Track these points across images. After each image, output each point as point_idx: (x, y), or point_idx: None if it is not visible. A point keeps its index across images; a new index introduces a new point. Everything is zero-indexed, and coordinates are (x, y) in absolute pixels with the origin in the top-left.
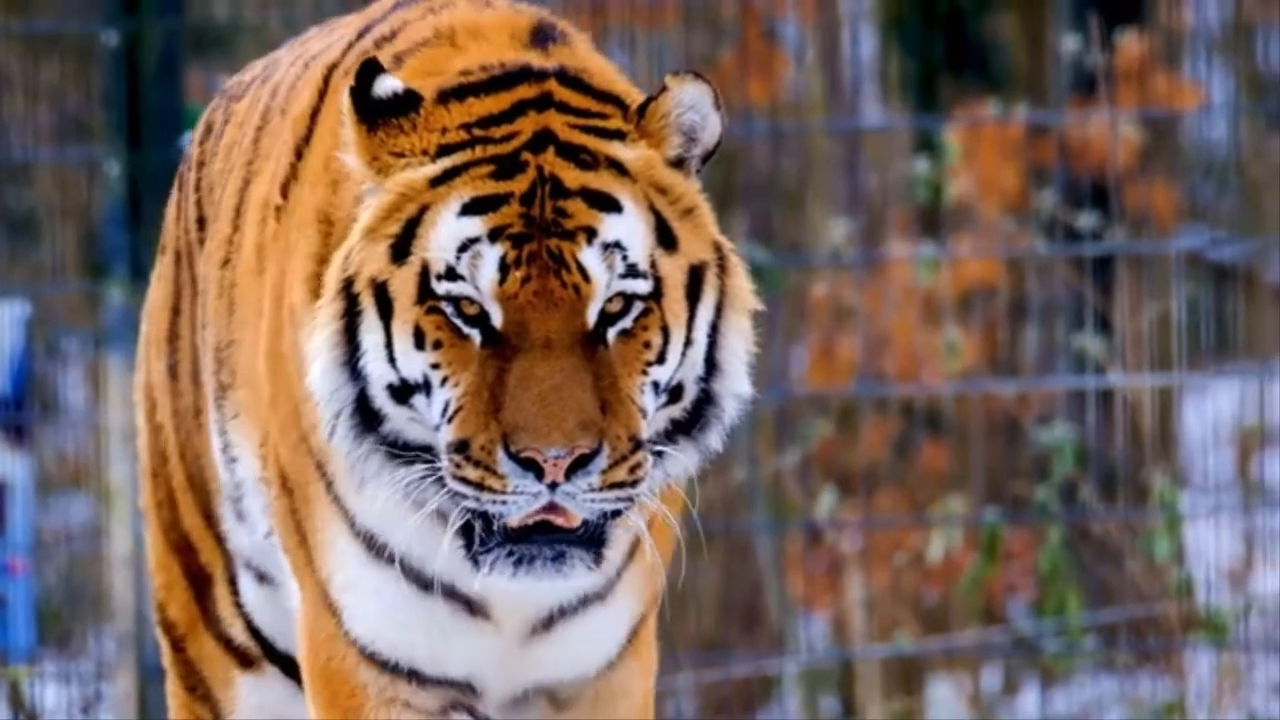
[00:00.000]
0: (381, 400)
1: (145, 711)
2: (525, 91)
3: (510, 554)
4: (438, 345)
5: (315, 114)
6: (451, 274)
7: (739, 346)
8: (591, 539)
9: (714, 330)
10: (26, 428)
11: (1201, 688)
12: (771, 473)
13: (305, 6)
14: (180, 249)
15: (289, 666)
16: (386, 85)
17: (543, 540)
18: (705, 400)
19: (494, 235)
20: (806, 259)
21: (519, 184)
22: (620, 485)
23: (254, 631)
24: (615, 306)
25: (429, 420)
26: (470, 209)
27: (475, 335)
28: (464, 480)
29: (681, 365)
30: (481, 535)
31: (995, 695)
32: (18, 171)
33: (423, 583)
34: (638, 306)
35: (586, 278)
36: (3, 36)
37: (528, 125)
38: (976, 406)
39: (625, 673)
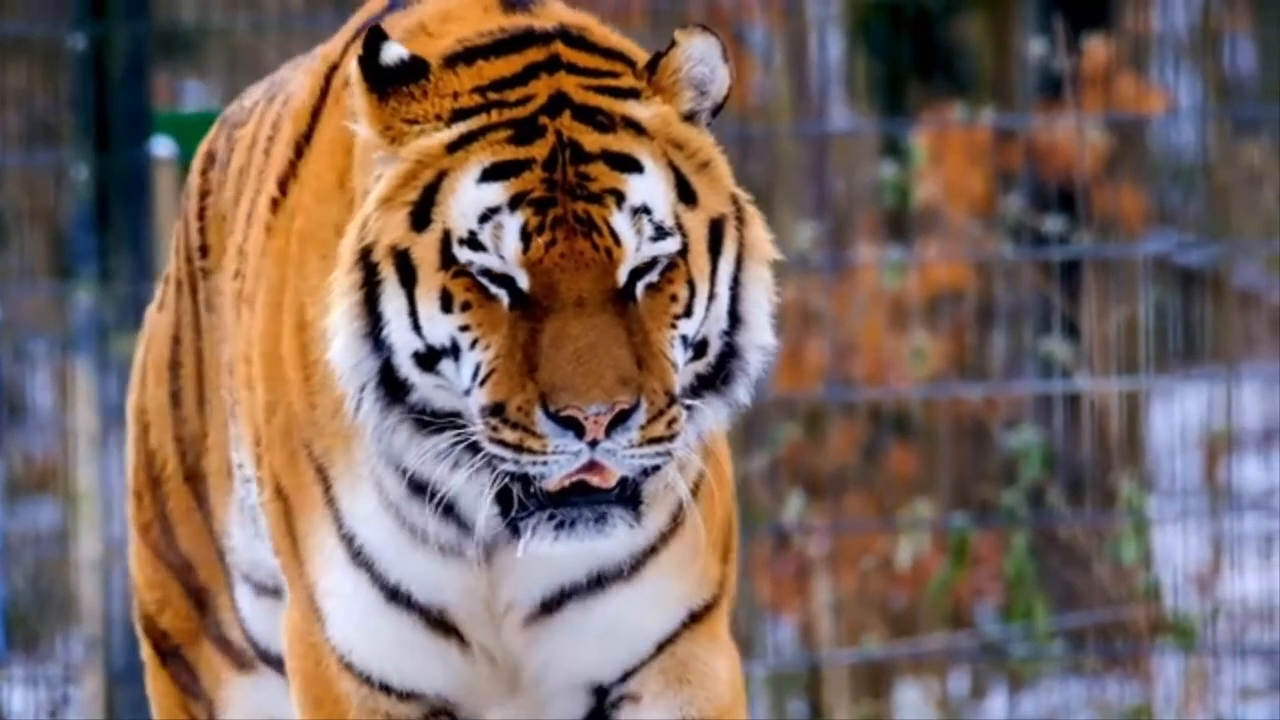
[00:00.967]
0: (407, 369)
1: (112, 714)
2: (534, 54)
3: (551, 517)
4: (466, 307)
5: (316, 112)
6: (474, 243)
7: (761, 298)
8: (629, 497)
9: (735, 283)
10: None
11: (1169, 692)
12: (739, 476)
13: (272, 10)
14: (181, 278)
15: (282, 667)
16: (393, 52)
17: (582, 502)
18: (729, 354)
19: (515, 203)
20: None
21: (539, 149)
22: (658, 440)
23: (250, 637)
24: (643, 264)
25: (458, 385)
26: (490, 175)
27: (503, 296)
28: (501, 443)
29: (706, 319)
30: (520, 500)
31: (963, 699)
32: None
33: (390, 592)
34: (663, 262)
35: (618, 241)
36: None
37: (541, 88)
38: (944, 410)
39: (693, 654)
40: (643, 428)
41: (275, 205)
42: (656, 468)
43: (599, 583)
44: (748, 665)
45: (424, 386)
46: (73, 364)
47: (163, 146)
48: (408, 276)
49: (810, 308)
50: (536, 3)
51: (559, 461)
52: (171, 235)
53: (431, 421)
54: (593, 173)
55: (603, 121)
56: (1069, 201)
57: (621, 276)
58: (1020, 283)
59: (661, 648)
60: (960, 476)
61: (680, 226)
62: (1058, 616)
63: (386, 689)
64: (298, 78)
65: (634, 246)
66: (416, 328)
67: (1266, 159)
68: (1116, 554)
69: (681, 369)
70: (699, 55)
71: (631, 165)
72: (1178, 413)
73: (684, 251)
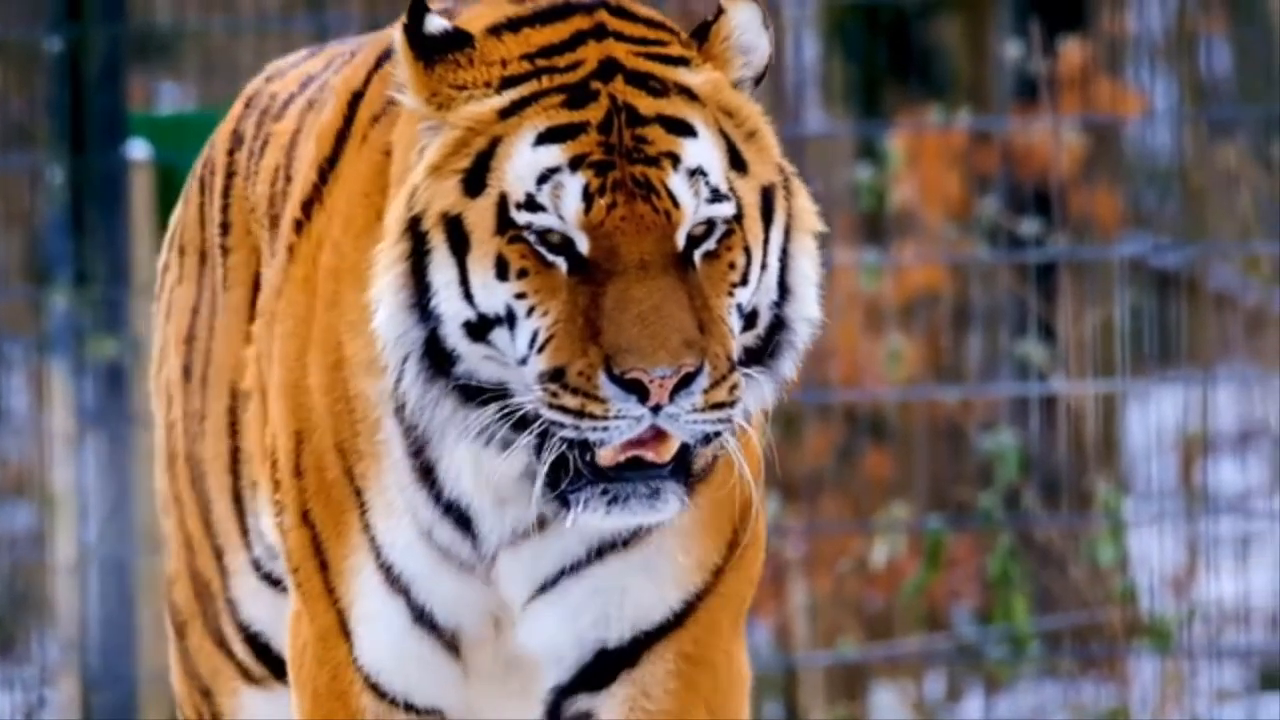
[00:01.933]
0: (455, 339)
1: (88, 717)
2: (580, 22)
3: (604, 492)
4: (523, 274)
5: (341, 136)
6: (532, 204)
7: (808, 269)
8: (681, 472)
9: (784, 253)
10: None
11: (1145, 694)
12: None
13: (248, 12)
14: (205, 249)
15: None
16: (437, 23)
17: (636, 476)
18: (778, 325)
19: (575, 164)
20: None
21: (593, 113)
22: (720, 406)
23: (259, 649)
24: (700, 230)
25: (512, 354)
26: (546, 138)
27: (561, 263)
28: (562, 408)
29: (758, 290)
30: (572, 474)
31: (939, 702)
32: None
33: (417, 613)
34: (720, 228)
35: (676, 203)
36: None
37: (590, 54)
38: (920, 413)
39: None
40: (705, 392)
41: (299, 227)
42: (717, 434)
43: (598, 554)
44: None
45: (471, 357)
46: (48, 367)
47: (138, 149)
48: (459, 244)
49: None
50: None
51: (620, 427)
52: (167, 221)
53: (477, 393)
54: (649, 135)
55: (655, 87)
56: (1045, 204)
57: (680, 239)
58: (996, 285)
59: (662, 630)
60: (936, 479)
61: (734, 192)
62: (1034, 619)
63: (409, 706)
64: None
65: (692, 208)
66: (468, 296)
67: (1242, 161)
68: (1092, 556)
69: (738, 337)
70: (745, 23)
71: (686, 129)
72: (1153, 415)
73: (739, 218)
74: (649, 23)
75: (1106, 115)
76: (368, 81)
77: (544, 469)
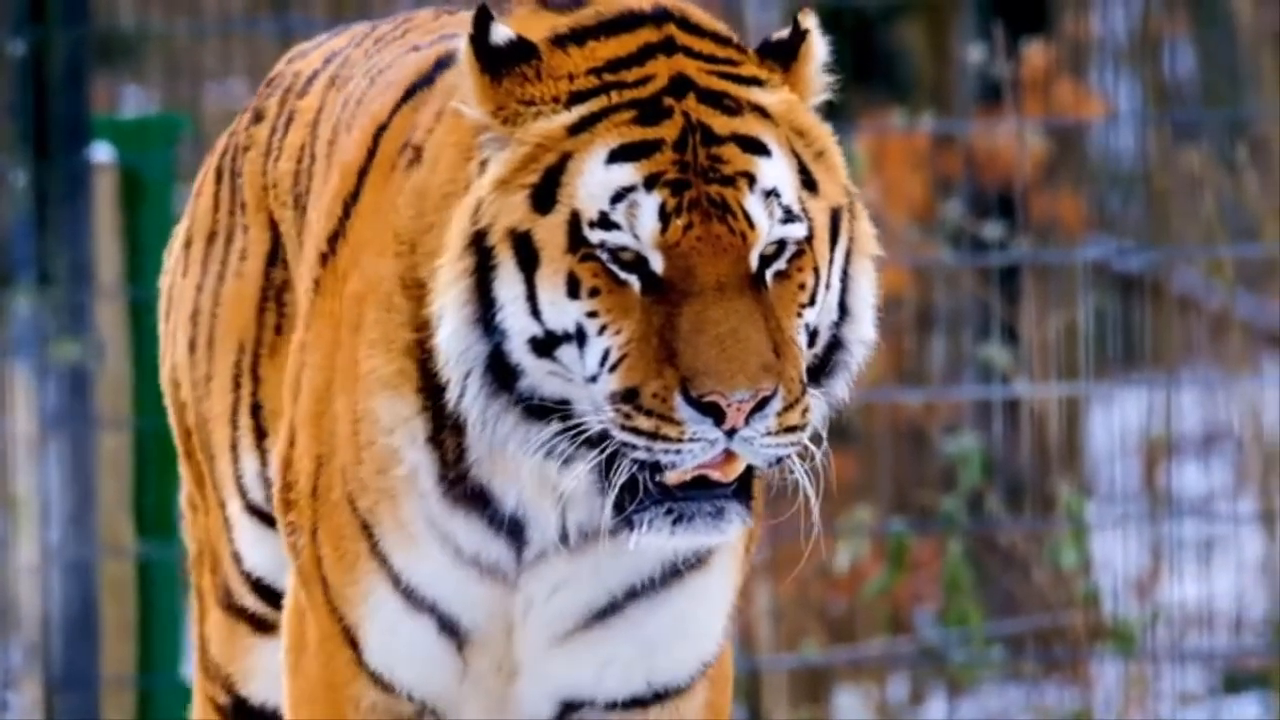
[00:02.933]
0: (520, 355)
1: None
2: (647, 35)
3: (669, 512)
4: (594, 293)
5: (363, 173)
6: (606, 222)
7: (867, 291)
8: (742, 492)
9: (844, 275)
10: None
11: (1108, 697)
12: None
13: (212, 15)
14: (215, 230)
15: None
16: (503, 33)
17: (701, 496)
18: (835, 346)
19: (650, 183)
20: None
21: (668, 130)
22: (793, 429)
23: (266, 594)
24: (771, 249)
25: (580, 371)
26: (619, 156)
27: (634, 281)
28: (635, 430)
29: (821, 310)
30: (640, 493)
31: (902, 705)
32: None
33: (441, 623)
34: (791, 248)
35: (752, 224)
36: None
37: (660, 69)
38: (883, 416)
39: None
40: (779, 415)
41: (324, 260)
42: (788, 457)
43: (632, 595)
44: None
45: (535, 372)
46: (11, 370)
47: (102, 152)
48: (528, 260)
49: None
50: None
51: (693, 450)
52: (122, 229)
53: (539, 409)
54: (724, 155)
55: (730, 105)
56: (1008, 207)
57: (754, 260)
58: (959, 288)
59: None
60: (899, 482)
61: (805, 212)
62: (997, 622)
63: (410, 697)
64: (361, 67)
65: (766, 229)
66: (535, 312)
67: (1206, 164)
68: (1056, 559)
69: (805, 358)
70: (819, 45)
71: (760, 148)
72: (1117, 418)
73: (809, 239)
74: (716, 38)
75: (1070, 118)
76: (393, 113)
77: (613, 491)
